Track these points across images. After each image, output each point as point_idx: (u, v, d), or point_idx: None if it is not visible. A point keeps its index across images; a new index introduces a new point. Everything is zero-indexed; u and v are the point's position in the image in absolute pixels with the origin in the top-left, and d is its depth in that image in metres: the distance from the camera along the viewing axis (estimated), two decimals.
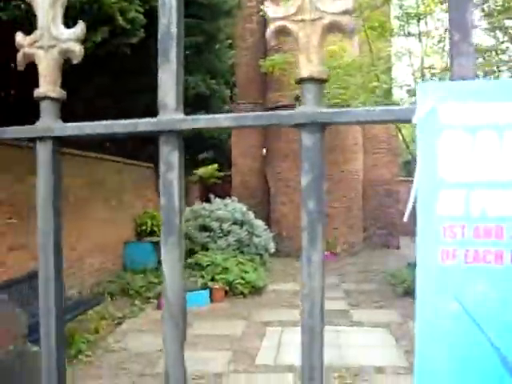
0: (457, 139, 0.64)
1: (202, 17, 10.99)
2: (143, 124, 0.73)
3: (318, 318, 0.67)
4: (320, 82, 0.68)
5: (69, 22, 0.88)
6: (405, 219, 0.74)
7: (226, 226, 12.71)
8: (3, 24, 6.57)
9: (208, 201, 13.71)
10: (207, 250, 12.10)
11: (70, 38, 0.78)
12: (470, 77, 0.65)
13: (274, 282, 11.82)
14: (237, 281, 10.61)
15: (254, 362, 6.72)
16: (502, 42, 13.46)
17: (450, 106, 0.64)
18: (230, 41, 17.91)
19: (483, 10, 13.27)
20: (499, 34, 13.36)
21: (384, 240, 18.09)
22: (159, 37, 0.72)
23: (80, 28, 0.78)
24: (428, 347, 0.65)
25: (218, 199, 13.62)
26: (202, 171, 23.50)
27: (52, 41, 0.78)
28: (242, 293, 10.54)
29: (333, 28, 0.67)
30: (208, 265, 11.08)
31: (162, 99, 0.72)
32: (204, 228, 12.72)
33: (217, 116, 0.70)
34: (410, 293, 10.20)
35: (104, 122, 0.75)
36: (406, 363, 6.52)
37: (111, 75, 10.00)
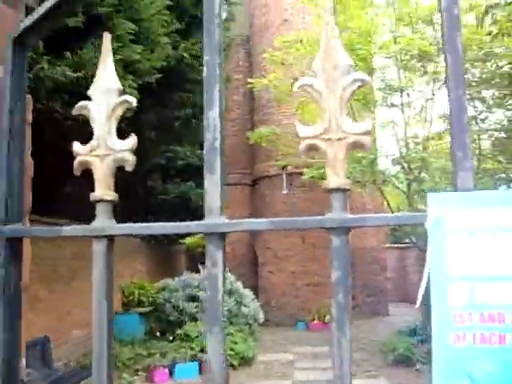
0: (460, 240, 0.76)
1: (192, 90, 11.33)
2: (194, 226, 0.85)
3: None
4: (345, 191, 0.80)
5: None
6: (416, 306, 0.85)
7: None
8: None
9: (198, 270, 13.68)
10: (196, 320, 12.00)
11: (124, 149, 0.90)
12: (470, 188, 0.78)
13: (264, 353, 11.71)
14: (226, 352, 10.49)
15: None
16: (481, 112, 13.92)
17: (454, 212, 0.77)
18: None
19: None
20: (478, 103, 13.85)
21: (373, 308, 18.05)
22: (205, 150, 0.85)
23: (133, 140, 0.91)
24: None
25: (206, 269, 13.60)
26: (188, 240, 23.50)
27: (107, 150, 0.91)
28: (231, 364, 10.40)
29: (355, 146, 0.80)
30: (197, 336, 10.96)
31: (208, 205, 0.84)
32: (192, 298, 12.65)
33: (257, 220, 0.82)
34: (401, 361, 10.14)
35: (158, 224, 0.87)
36: None
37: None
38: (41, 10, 0.98)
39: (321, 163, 13.24)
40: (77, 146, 0.93)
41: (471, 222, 0.76)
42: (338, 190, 0.80)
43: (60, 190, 10.90)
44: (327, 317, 15.52)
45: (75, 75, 7.56)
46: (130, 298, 13.30)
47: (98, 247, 0.88)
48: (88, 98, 0.95)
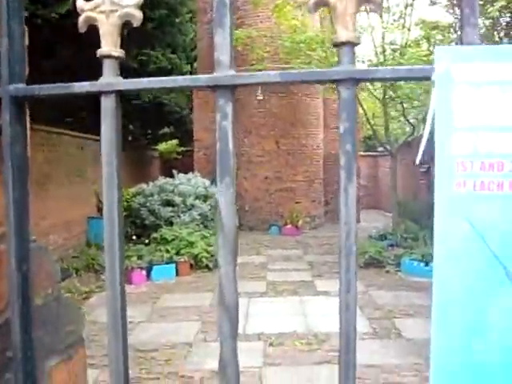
0: (467, 93, 0.79)
1: None
2: (202, 79, 0.86)
3: (353, 241, 0.81)
4: (354, 45, 0.81)
5: None
6: (416, 162, 0.89)
7: (189, 200, 12.79)
8: None
9: (171, 176, 13.74)
10: (172, 224, 12.18)
11: (130, 4, 0.89)
12: (476, 43, 0.79)
13: (239, 256, 11.99)
14: (202, 254, 10.74)
15: None
16: (459, 18, 13.76)
17: (461, 66, 0.79)
18: (191, 15, 17.84)
19: None
20: (458, 10, 13.69)
21: None
22: (214, 6, 0.84)
23: None
24: (444, 264, 0.81)
25: (181, 174, 13.66)
26: (162, 147, 23.43)
27: (113, 6, 0.89)
28: (207, 266, 10.68)
29: (365, 1, 0.81)
30: (173, 239, 11.15)
31: (217, 58, 0.84)
32: (168, 203, 12.77)
33: (267, 72, 0.83)
34: (371, 263, 10.53)
35: (163, 78, 0.88)
36: (370, 329, 6.79)
37: (74, 48, 9.91)
38: None
39: (296, 68, 13.10)
40: (81, 2, 0.92)
41: (478, 75, 0.79)
42: (347, 43, 0.81)
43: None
44: (300, 221, 15.88)
45: None
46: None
47: (107, 103, 0.89)
48: None
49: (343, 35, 0.81)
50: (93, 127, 15.00)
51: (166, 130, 20.88)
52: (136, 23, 0.89)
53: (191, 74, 20.58)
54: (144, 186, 13.23)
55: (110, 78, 0.89)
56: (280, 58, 14.72)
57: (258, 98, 15.58)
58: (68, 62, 10.83)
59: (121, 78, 0.90)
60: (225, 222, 0.84)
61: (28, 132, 1.00)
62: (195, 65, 20.28)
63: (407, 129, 18.17)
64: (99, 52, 0.90)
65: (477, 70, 0.79)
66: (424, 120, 15.00)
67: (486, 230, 0.79)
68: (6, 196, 0.98)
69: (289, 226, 15.71)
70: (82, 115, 15.39)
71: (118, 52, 0.90)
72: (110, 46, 0.89)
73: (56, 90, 0.92)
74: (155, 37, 12.52)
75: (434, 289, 0.81)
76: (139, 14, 0.89)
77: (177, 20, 13.41)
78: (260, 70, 15.10)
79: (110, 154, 0.88)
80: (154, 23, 11.27)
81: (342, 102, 0.81)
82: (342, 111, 0.81)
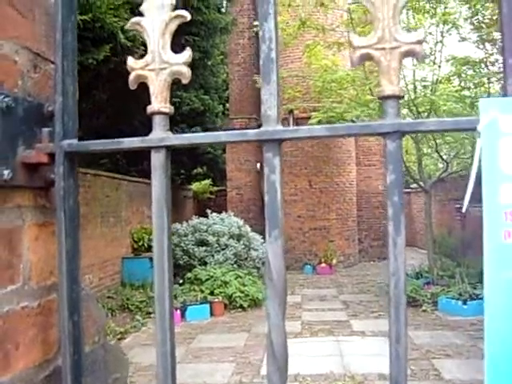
0: None
1: (198, 33, 11.20)
2: (250, 134, 0.88)
3: (402, 292, 0.81)
4: (399, 98, 0.83)
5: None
6: (463, 210, 0.89)
7: (223, 240, 12.82)
8: None
9: (205, 216, 13.82)
10: (205, 264, 12.20)
11: (179, 62, 0.93)
12: None
13: None
14: (236, 294, 10.72)
15: (259, 373, 6.81)
16: (492, 54, 13.76)
17: (506, 117, 0.80)
18: (222, 56, 18.19)
19: (473, 24, 13.55)
20: (488, 46, 13.68)
21: (379, 251, 18.27)
22: (261, 62, 0.87)
23: (188, 53, 0.93)
24: (495, 317, 0.80)
25: (214, 214, 13.74)
26: (195, 186, 23.64)
27: (163, 64, 0.93)
28: (241, 306, 10.64)
29: (408, 54, 0.83)
30: (207, 279, 11.17)
31: (265, 113, 0.87)
32: (202, 243, 12.82)
33: (314, 127, 0.85)
34: (407, 303, 10.27)
35: (213, 133, 0.90)
36: (408, 371, 6.64)
37: (110, 92, 10.16)
38: None
39: (328, 107, 13.19)
40: (131, 61, 0.96)
41: None
42: (392, 96, 0.83)
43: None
44: (334, 260, 15.76)
45: (80, 18, 7.46)
46: (140, 243, 13.48)
47: (157, 159, 0.92)
48: (140, 14, 0.97)
49: (388, 89, 0.83)
50: (127, 168, 15.28)
51: (199, 169, 21.09)
52: (185, 80, 0.93)
53: (223, 114, 20.87)
54: (178, 225, 13.32)
55: (161, 134, 0.92)
56: (311, 97, 14.85)
57: None
58: (103, 105, 11.08)
59: (171, 134, 0.93)
60: (274, 273, 0.85)
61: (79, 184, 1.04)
62: (227, 105, 20.59)
63: (440, 165, 18.02)
64: (149, 108, 0.93)
65: None
66: (456, 156, 14.89)
67: None
68: (58, 246, 1.01)
69: (323, 265, 15.59)
70: (116, 156, 15.66)
71: (168, 108, 0.93)
72: (159, 102, 0.93)
73: (107, 146, 0.95)
74: None
75: (486, 343, 0.80)
76: (188, 72, 0.93)
77: (209, 62, 13.64)
78: (291, 110, 15.30)
79: (160, 210, 0.91)
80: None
81: (389, 154, 0.82)
82: (388, 163, 0.82)
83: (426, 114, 12.92)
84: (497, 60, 13.85)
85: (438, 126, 0.83)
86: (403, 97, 0.83)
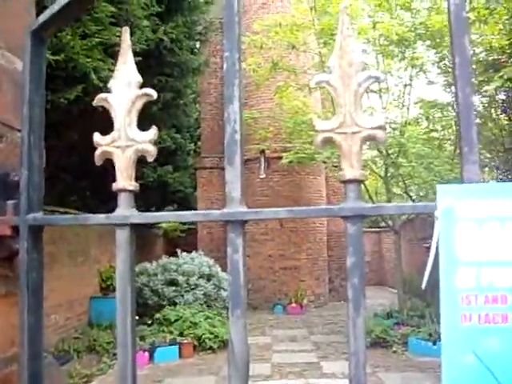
0: (469, 229, 0.82)
1: (171, 74, 11.29)
2: (214, 215, 0.89)
3: (362, 372, 0.82)
4: (360, 182, 0.85)
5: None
6: (423, 287, 0.91)
7: (193, 279, 12.71)
8: None
9: (175, 254, 13.71)
10: (175, 304, 12.05)
11: (145, 140, 0.94)
12: (476, 180, 0.83)
13: None
14: (205, 335, 10.59)
15: None
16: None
17: (463, 203, 0.83)
18: (194, 95, 18.32)
19: (440, 68, 13.93)
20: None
21: None
22: (225, 143, 0.89)
23: (153, 132, 0.95)
24: None
25: (184, 253, 13.65)
26: (166, 225, 23.46)
27: (129, 141, 0.94)
28: (210, 347, 10.50)
29: (369, 139, 0.85)
30: (176, 320, 11.03)
31: (229, 194, 0.88)
32: (171, 283, 12.68)
33: (276, 209, 0.87)
34: (377, 343, 10.33)
35: (177, 213, 0.91)
36: None
37: (81, 130, 10.13)
38: (57, 5, 1.01)
39: (299, 147, 13.32)
40: (97, 137, 0.97)
41: (479, 212, 0.82)
42: (353, 180, 0.85)
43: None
44: (305, 300, 15.71)
45: (54, 58, 7.48)
46: (108, 282, 13.28)
47: (121, 235, 0.92)
48: (102, 90, 0.98)
49: (349, 173, 0.85)
50: (96, 207, 15.15)
51: (170, 207, 21.01)
52: (150, 158, 0.94)
53: (195, 152, 20.93)
54: (147, 265, 13.19)
55: (125, 211, 0.93)
56: (283, 138, 15.01)
57: (261, 176, 15.77)
58: (74, 143, 11.03)
59: (135, 211, 0.94)
60: (236, 351, 0.86)
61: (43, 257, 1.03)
62: (199, 143, 20.66)
63: (410, 203, 18.24)
64: (115, 186, 0.94)
65: (478, 207, 0.82)
66: (426, 197, 15.11)
67: (493, 363, 0.80)
68: (20, 320, 1.00)
69: (293, 305, 15.52)
70: (85, 194, 15.54)
71: (133, 186, 0.94)
72: (125, 180, 0.94)
73: (72, 221, 0.96)
74: (160, 119, 12.78)
75: None
76: (154, 150, 0.94)
77: (181, 102, 13.73)
78: (263, 150, 15.41)
79: (125, 288, 0.91)
80: (159, 105, 11.52)
81: (349, 237, 0.84)
82: (349, 245, 0.84)
83: (395, 155, 13.14)
84: None
85: (398, 211, 0.85)
86: (364, 180, 0.85)
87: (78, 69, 7.92)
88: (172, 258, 13.48)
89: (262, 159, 15.75)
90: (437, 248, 0.84)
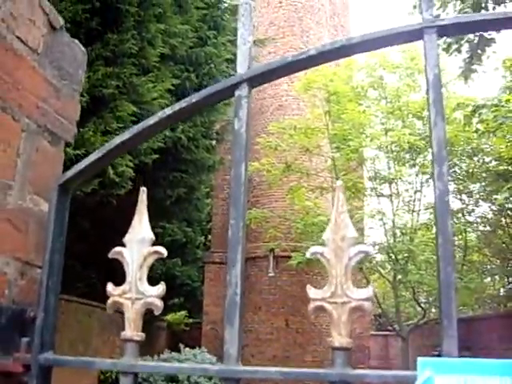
0: None
1: (187, 171, 11.57)
2: (212, 371, 0.97)
3: None
4: (347, 350, 0.92)
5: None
6: None
7: (194, 377, 12.44)
8: None
9: (177, 349, 13.49)
10: None
11: (154, 295, 1.03)
12: (454, 355, 0.90)
13: None
14: None
15: None
16: (468, 205, 14.30)
17: (442, 377, 0.89)
18: (208, 189, 18.63)
19: (450, 175, 14.20)
20: (465, 197, 14.26)
21: None
22: (226, 304, 0.97)
23: (162, 287, 1.04)
24: None
25: (187, 349, 13.43)
26: (171, 317, 23.19)
27: (138, 295, 1.03)
28: None
29: (357, 309, 0.93)
30: None
31: (227, 351, 0.95)
32: (172, 379, 12.40)
33: (269, 369, 0.94)
34: None
35: (177, 365, 0.98)
36: None
37: (94, 221, 10.31)
38: (83, 163, 1.13)
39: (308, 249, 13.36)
40: (110, 287, 1.06)
41: None
42: (340, 348, 0.92)
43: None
44: None
45: (75, 152, 7.74)
46: (107, 374, 12.99)
47: (125, 381, 0.99)
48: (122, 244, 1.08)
49: (337, 341, 0.92)
50: (102, 292, 15.10)
51: (176, 300, 20.85)
52: (157, 312, 1.02)
53: (205, 245, 20.99)
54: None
55: (130, 360, 1.00)
56: (293, 238, 15.09)
57: (270, 274, 15.73)
58: (86, 232, 11.19)
59: (140, 360, 1.01)
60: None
61: None
62: (209, 236, 20.76)
63: (419, 308, 18.02)
64: (123, 335, 1.02)
65: (457, 382, 0.89)
66: (434, 303, 14.94)
67: None
68: None
69: None
70: (92, 281, 15.53)
71: (139, 336, 1.02)
72: (132, 330, 1.02)
73: (80, 364, 1.03)
74: (172, 212, 13.00)
75: None
76: (160, 304, 1.02)
77: (194, 197, 13.99)
78: (272, 249, 15.44)
79: None
80: (172, 200, 11.74)
81: None
82: None
83: (403, 261, 13.14)
84: (473, 210, 14.39)
85: (380, 379, 0.91)
86: (351, 348, 0.92)
87: None
88: (174, 353, 13.24)
89: (271, 258, 15.76)
90: None
